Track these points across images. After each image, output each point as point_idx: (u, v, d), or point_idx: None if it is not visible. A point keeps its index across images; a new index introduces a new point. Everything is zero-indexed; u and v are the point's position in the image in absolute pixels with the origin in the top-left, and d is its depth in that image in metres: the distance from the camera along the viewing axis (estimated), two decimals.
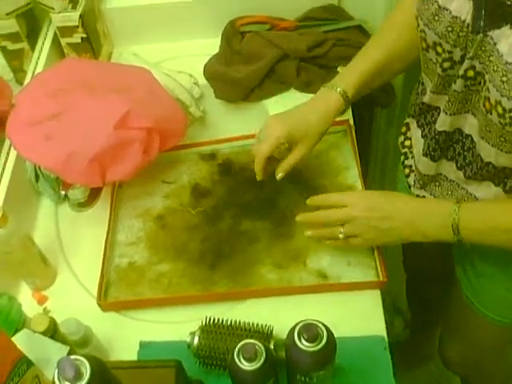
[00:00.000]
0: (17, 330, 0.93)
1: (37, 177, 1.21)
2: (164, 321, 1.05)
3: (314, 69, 1.35)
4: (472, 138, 0.89)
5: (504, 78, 0.73)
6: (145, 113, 1.09)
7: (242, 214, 1.15)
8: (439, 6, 0.81)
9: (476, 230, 0.89)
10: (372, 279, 1.05)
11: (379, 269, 1.05)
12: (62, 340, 0.92)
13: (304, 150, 1.05)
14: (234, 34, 1.41)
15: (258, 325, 0.95)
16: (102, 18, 1.47)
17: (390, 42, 1.06)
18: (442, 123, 0.90)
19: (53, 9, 1.32)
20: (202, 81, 1.37)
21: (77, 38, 1.37)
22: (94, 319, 0.99)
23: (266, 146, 1.04)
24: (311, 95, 1.31)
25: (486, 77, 0.77)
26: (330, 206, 1.01)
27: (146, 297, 1.07)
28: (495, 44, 0.74)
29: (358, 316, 1.02)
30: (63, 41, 1.38)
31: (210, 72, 1.37)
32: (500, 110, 0.75)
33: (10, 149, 1.18)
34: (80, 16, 1.32)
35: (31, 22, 1.39)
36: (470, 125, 0.88)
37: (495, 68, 0.74)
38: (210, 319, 0.95)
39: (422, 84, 0.98)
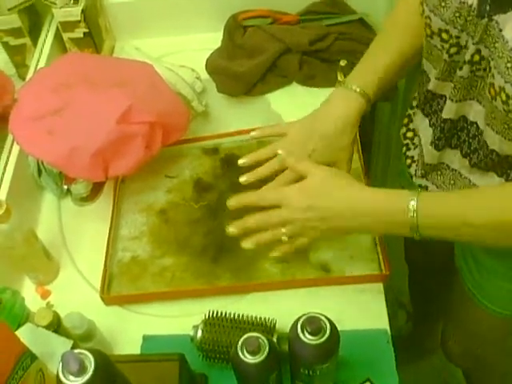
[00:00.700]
0: (20, 325, 0.93)
1: (39, 171, 1.21)
2: (167, 315, 1.05)
3: (316, 62, 1.35)
4: (477, 125, 0.88)
5: (509, 65, 0.72)
6: (147, 107, 1.09)
7: (245, 208, 1.15)
8: None
9: (435, 225, 0.84)
10: (375, 272, 1.05)
11: (382, 262, 1.05)
12: (66, 334, 0.93)
13: (345, 166, 1.02)
14: (236, 28, 1.40)
15: (260, 318, 0.95)
16: (104, 12, 1.47)
17: (395, 44, 1.03)
18: (448, 111, 0.90)
19: (55, 4, 1.32)
20: (204, 75, 1.37)
21: (79, 33, 1.37)
22: (97, 313, 0.99)
23: (292, 163, 0.97)
24: (313, 89, 1.33)
25: (492, 63, 0.77)
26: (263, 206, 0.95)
27: (149, 291, 1.07)
28: (501, 30, 0.74)
29: (360, 309, 1.02)
30: (65, 36, 1.38)
31: (212, 66, 1.37)
32: (504, 96, 0.75)
33: (12, 144, 1.18)
34: (82, 11, 1.32)
35: (33, 17, 1.39)
36: (475, 112, 0.87)
37: (500, 54, 0.74)
38: (213, 313, 0.95)
39: (424, 72, 0.97)
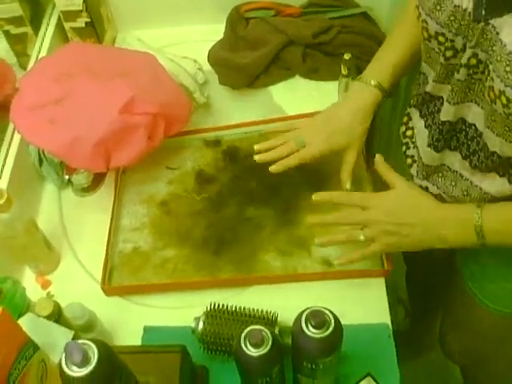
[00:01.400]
0: (20, 315, 0.93)
1: (40, 161, 1.20)
2: (168, 306, 1.05)
3: (320, 55, 1.35)
4: (476, 127, 0.88)
5: (508, 68, 0.72)
6: (150, 98, 1.09)
7: (247, 200, 1.15)
8: None
9: (500, 232, 0.89)
10: (377, 267, 1.05)
11: (384, 257, 1.05)
12: (66, 324, 0.93)
13: (353, 153, 1.07)
14: (238, 19, 1.40)
15: (262, 311, 0.95)
16: (106, 2, 1.46)
17: (407, 36, 1.06)
18: (446, 113, 0.90)
19: None
20: (207, 67, 1.36)
21: (81, 23, 1.36)
22: (97, 304, 0.99)
23: (310, 154, 1.05)
24: (316, 82, 1.32)
25: (490, 66, 0.77)
26: (349, 205, 0.99)
27: (151, 282, 1.07)
28: (498, 33, 0.74)
29: (362, 304, 1.02)
30: (67, 25, 1.37)
31: (214, 58, 1.36)
32: (504, 100, 0.75)
33: (13, 133, 1.18)
34: (84, 0, 1.31)
35: (35, 6, 1.38)
36: (474, 114, 0.87)
37: (498, 58, 0.74)
38: (214, 305, 0.95)
39: (423, 74, 0.97)
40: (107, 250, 1.09)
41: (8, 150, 1.16)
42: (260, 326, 0.77)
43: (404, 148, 1.09)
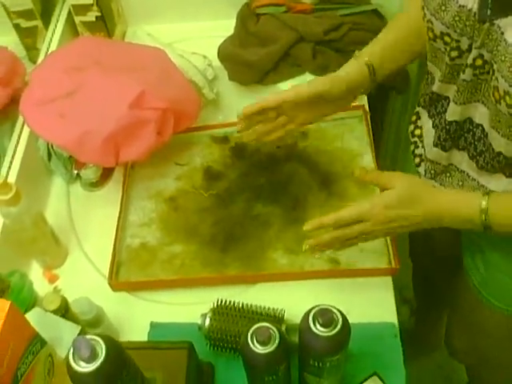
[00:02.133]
0: (28, 309, 0.94)
1: (49, 155, 1.20)
2: (175, 302, 1.05)
3: (330, 52, 1.34)
4: (483, 128, 0.88)
5: (511, 68, 0.72)
6: (160, 93, 1.09)
7: (255, 197, 1.15)
8: None
9: (508, 225, 0.88)
10: (384, 266, 1.04)
11: (391, 256, 1.05)
12: (73, 319, 0.93)
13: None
14: (249, 15, 1.39)
15: (269, 308, 0.95)
16: None
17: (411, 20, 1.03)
18: (452, 113, 0.90)
19: None
20: (216, 62, 1.36)
21: (91, 17, 1.36)
22: (104, 299, 0.99)
23: (291, 92, 0.99)
24: None
25: (495, 66, 0.76)
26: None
27: (158, 278, 1.07)
28: (502, 33, 0.73)
29: (369, 302, 1.01)
30: (77, 19, 1.37)
31: (224, 54, 1.36)
32: (508, 100, 0.74)
33: (23, 126, 1.18)
34: None
35: (45, 0, 1.38)
36: (481, 114, 0.87)
37: (503, 58, 0.73)
38: (221, 301, 0.95)
39: (430, 74, 0.97)
40: (115, 245, 1.09)
41: (17, 144, 1.16)
42: (267, 323, 0.77)
43: (412, 147, 1.08)
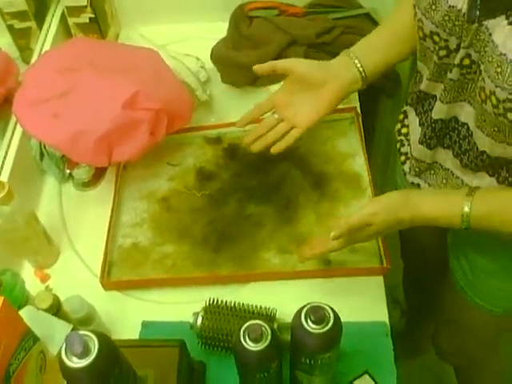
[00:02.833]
0: (20, 307, 0.93)
1: (41, 155, 1.20)
2: (167, 301, 1.05)
3: (322, 56, 1.35)
4: (468, 127, 0.89)
5: (498, 69, 0.73)
6: (153, 94, 1.09)
7: (247, 198, 1.15)
8: None
9: (487, 227, 0.88)
10: (375, 265, 1.05)
11: (383, 255, 1.05)
12: (65, 318, 0.92)
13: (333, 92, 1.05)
14: (242, 18, 1.40)
15: (261, 307, 0.95)
16: None
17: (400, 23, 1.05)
18: (438, 111, 0.91)
19: None
20: (209, 64, 1.36)
21: (85, 18, 1.36)
22: (96, 298, 0.99)
23: (298, 134, 1.07)
24: None
25: (482, 67, 0.78)
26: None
27: (150, 277, 1.07)
28: (490, 34, 0.75)
29: (360, 302, 1.02)
30: (71, 20, 1.37)
31: (217, 56, 1.36)
32: (494, 100, 0.75)
33: (15, 126, 1.18)
34: None
35: (39, 1, 1.38)
36: (466, 113, 0.88)
37: (490, 58, 0.74)
38: (213, 300, 0.95)
39: (419, 72, 0.98)
40: (107, 245, 1.09)
41: (10, 144, 1.16)
42: (259, 321, 0.77)
43: (398, 145, 1.09)
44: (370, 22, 1.42)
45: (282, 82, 1.34)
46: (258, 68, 1.08)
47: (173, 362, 0.84)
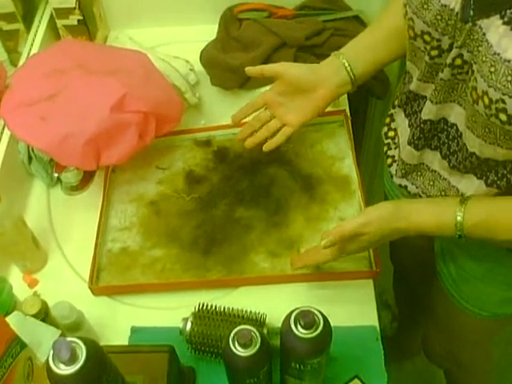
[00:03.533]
0: (7, 313, 0.93)
1: (30, 159, 1.20)
2: (156, 306, 1.04)
3: (312, 58, 1.35)
4: (457, 128, 0.89)
5: (492, 69, 0.72)
6: (141, 96, 1.09)
7: (237, 201, 1.15)
8: None
9: (481, 236, 0.89)
10: (365, 269, 1.05)
11: (372, 259, 1.05)
12: (53, 323, 0.92)
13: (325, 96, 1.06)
14: (232, 20, 1.40)
15: (251, 312, 0.95)
16: (99, 0, 1.45)
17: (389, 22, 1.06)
18: (428, 112, 0.90)
19: None
20: (199, 67, 1.36)
21: (73, 20, 1.35)
22: (85, 303, 0.98)
23: (289, 132, 1.08)
24: None
25: (474, 67, 0.77)
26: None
27: (139, 282, 1.06)
28: (484, 34, 0.74)
29: (350, 306, 1.02)
30: (59, 22, 1.36)
31: (206, 58, 1.36)
32: (486, 100, 0.75)
33: (3, 129, 1.17)
34: None
35: (27, 3, 1.37)
36: (456, 114, 0.88)
37: (484, 58, 0.74)
38: (203, 305, 0.95)
39: (408, 73, 0.98)
40: (95, 249, 1.08)
41: None
42: (249, 326, 0.77)
43: (385, 148, 1.09)
44: (359, 24, 1.42)
45: (272, 85, 1.35)
46: (249, 70, 1.09)
47: (162, 367, 0.84)
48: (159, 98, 1.14)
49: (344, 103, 1.29)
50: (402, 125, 1.02)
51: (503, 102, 0.72)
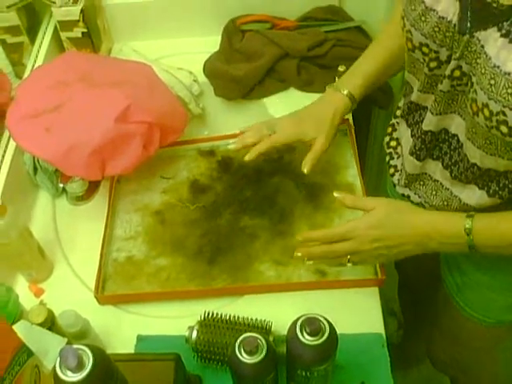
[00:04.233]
0: (14, 322, 0.93)
1: (35, 169, 1.20)
2: (162, 315, 1.04)
3: (315, 68, 1.36)
4: (458, 138, 0.89)
5: (492, 81, 0.72)
6: (146, 107, 1.09)
7: (241, 210, 1.15)
8: (426, 7, 0.80)
9: (491, 246, 0.89)
10: (370, 277, 1.05)
11: (377, 266, 1.05)
12: (59, 332, 0.92)
13: (322, 141, 1.10)
14: (234, 32, 1.41)
15: (256, 320, 0.95)
16: (103, 13, 1.47)
17: (389, 46, 1.10)
18: (429, 123, 0.91)
19: (54, 3, 1.32)
20: (202, 78, 1.37)
21: (77, 33, 1.36)
22: (90, 313, 0.98)
23: (280, 138, 1.11)
24: (311, 94, 1.33)
25: (474, 79, 0.77)
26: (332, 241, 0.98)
27: (144, 291, 1.06)
28: (483, 46, 0.74)
29: (356, 313, 1.02)
30: (63, 35, 1.38)
31: (210, 69, 1.37)
32: (487, 112, 0.75)
33: (8, 141, 1.18)
34: (81, 10, 1.32)
35: (32, 16, 1.39)
36: (457, 125, 0.88)
37: (483, 70, 0.74)
38: (208, 314, 0.95)
39: (408, 84, 0.98)
40: (101, 259, 1.08)
41: (3, 158, 1.16)
42: (254, 333, 0.77)
43: (388, 158, 1.10)
44: (362, 34, 1.43)
45: (275, 95, 1.36)
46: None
47: (168, 376, 0.84)
48: (163, 108, 1.15)
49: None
50: (404, 135, 1.02)
51: (504, 114, 0.73)
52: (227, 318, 0.95)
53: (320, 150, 1.09)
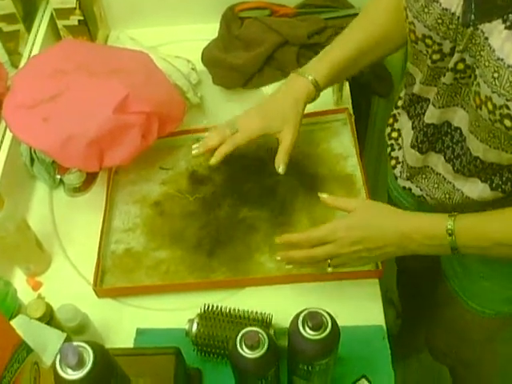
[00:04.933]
0: (12, 316, 0.92)
1: (32, 161, 1.19)
2: (161, 308, 1.04)
3: (314, 56, 1.34)
4: (461, 131, 0.88)
5: (495, 74, 0.71)
6: (144, 97, 1.08)
7: (241, 202, 1.14)
8: None
9: (474, 247, 0.87)
10: (370, 268, 1.04)
11: None
12: (58, 326, 0.91)
13: (289, 136, 1.05)
14: (233, 19, 1.39)
15: (256, 313, 0.95)
16: (99, 0, 1.45)
17: (375, 25, 1.05)
18: (431, 116, 0.90)
19: None
20: (200, 66, 1.36)
21: (74, 21, 1.35)
22: (89, 306, 0.97)
23: (244, 136, 1.06)
24: None
25: (477, 72, 0.76)
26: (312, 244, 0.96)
27: (143, 283, 1.06)
28: (487, 39, 0.73)
29: (356, 305, 1.01)
30: (60, 23, 1.36)
31: (208, 58, 1.35)
32: (490, 106, 0.74)
33: (5, 132, 1.16)
34: None
35: (27, 4, 1.36)
36: (459, 118, 0.87)
37: (486, 63, 0.73)
38: (208, 306, 0.94)
39: (410, 75, 0.97)
40: (99, 251, 1.08)
41: None
42: (255, 327, 0.76)
43: (389, 149, 1.09)
44: None
45: (273, 84, 1.35)
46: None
47: (169, 369, 0.83)
48: (161, 98, 1.13)
49: (347, 101, 1.28)
50: (405, 126, 1.01)
51: (507, 107, 0.72)
52: (227, 310, 0.94)
53: (290, 144, 1.05)
